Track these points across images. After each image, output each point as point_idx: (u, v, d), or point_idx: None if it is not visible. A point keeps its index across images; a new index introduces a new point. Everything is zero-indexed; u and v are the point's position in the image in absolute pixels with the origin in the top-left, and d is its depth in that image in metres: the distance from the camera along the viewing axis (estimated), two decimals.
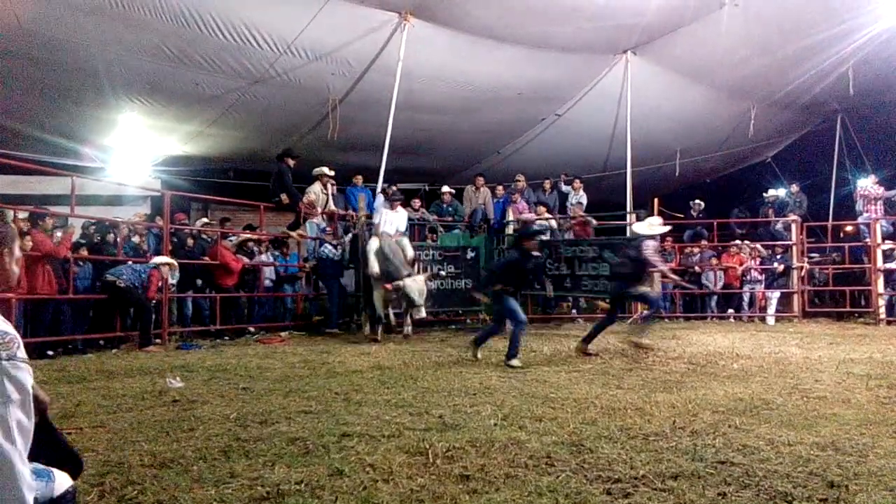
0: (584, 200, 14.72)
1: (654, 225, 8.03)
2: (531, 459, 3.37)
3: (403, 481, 3.05)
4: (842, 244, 14.10)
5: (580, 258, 11.31)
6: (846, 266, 13.54)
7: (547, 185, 14.57)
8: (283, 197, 11.34)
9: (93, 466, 3.28)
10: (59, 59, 10.78)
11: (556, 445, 3.63)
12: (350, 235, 11.13)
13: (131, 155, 14.28)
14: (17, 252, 2.01)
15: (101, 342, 8.59)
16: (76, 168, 13.23)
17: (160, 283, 8.75)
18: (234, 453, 3.54)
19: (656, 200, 15.50)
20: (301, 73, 12.12)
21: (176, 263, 9.04)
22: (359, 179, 12.78)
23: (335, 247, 10.72)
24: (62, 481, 2.01)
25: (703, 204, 15.13)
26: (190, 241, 10.51)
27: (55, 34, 10.20)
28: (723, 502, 2.77)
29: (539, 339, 9.26)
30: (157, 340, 8.65)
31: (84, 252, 9.06)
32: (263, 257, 10.85)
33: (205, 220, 12.00)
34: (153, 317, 8.62)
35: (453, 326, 11.05)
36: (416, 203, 12.89)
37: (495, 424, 4.14)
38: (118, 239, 9.80)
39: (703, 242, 13.88)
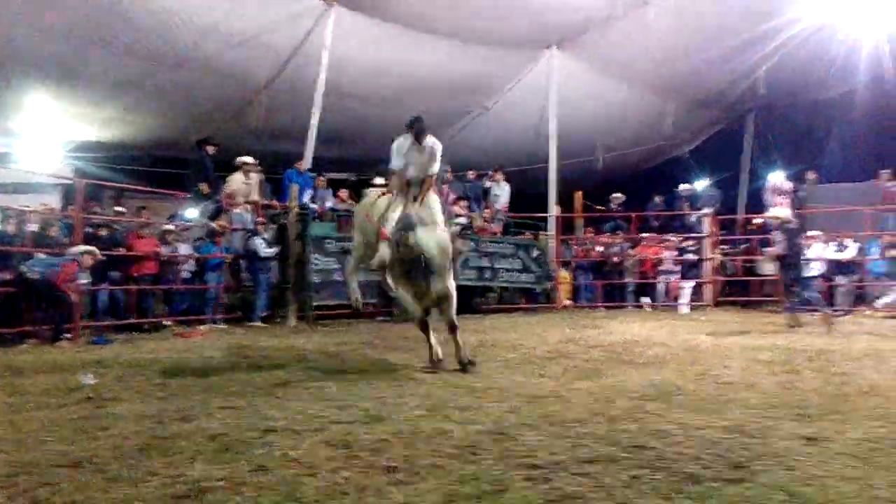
0: (506, 192, 14.93)
1: None
2: (456, 449, 3.42)
3: (328, 475, 3.04)
4: (751, 237, 14.83)
5: (500, 253, 12.52)
6: (755, 257, 14.25)
7: (471, 175, 14.69)
8: (203, 186, 11.05)
9: (2, 468, 3.14)
10: None
11: (479, 434, 3.70)
12: (276, 226, 10.97)
13: (41, 140, 13.57)
14: None
15: (9, 337, 8.15)
16: None
17: (78, 274, 8.36)
18: (152, 451, 3.44)
19: (579, 194, 15.95)
20: (223, 59, 11.82)
21: (96, 251, 8.66)
22: (301, 164, 12.34)
23: (267, 242, 10.51)
24: None
25: (623, 197, 15.61)
26: (103, 231, 10.08)
27: None
28: (636, 484, 2.89)
29: (465, 330, 9.30)
30: (68, 335, 8.27)
31: None
32: (182, 248, 10.51)
33: (119, 208, 11.53)
34: (69, 310, 8.23)
35: (381, 318, 11.02)
36: (344, 194, 12.74)
37: (420, 415, 4.18)
38: (28, 229, 9.29)
39: (619, 234, 14.38)
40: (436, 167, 6.35)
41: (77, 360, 6.68)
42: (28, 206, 10.09)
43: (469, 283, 11.31)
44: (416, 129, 6.24)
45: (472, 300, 12.68)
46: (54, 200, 12.17)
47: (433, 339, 6.30)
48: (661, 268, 13.68)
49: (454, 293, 6.25)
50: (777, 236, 10.25)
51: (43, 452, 3.43)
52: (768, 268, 11.86)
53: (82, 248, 8.60)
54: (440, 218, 6.24)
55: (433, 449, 3.43)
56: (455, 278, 6.42)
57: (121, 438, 3.70)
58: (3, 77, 11.35)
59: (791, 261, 9.98)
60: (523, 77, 14.61)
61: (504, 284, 13.03)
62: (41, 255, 8.48)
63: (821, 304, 10.02)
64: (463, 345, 6.19)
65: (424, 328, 6.31)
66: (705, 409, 4.34)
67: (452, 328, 6.15)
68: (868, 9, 12.22)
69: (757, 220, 15.06)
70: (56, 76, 11.73)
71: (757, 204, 15.73)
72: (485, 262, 12.41)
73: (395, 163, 6.27)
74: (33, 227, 9.04)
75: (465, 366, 6.01)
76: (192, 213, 11.11)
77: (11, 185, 12.40)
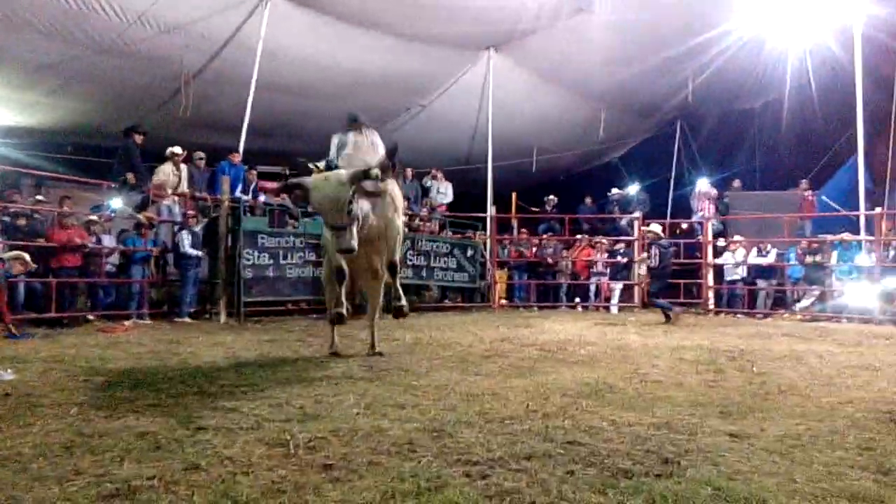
0: (449, 192, 15.02)
1: None
2: (394, 446, 3.42)
3: (264, 473, 2.99)
4: (678, 240, 15.34)
5: (436, 252, 12.86)
6: (682, 261, 14.75)
7: (409, 173, 14.69)
8: (130, 176, 10.67)
9: None
10: None
11: (417, 432, 3.71)
12: (206, 220, 10.68)
13: None
14: None
15: None
16: None
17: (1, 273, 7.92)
18: (77, 449, 3.31)
19: (514, 195, 16.17)
20: (151, 45, 11.41)
21: (27, 258, 8.22)
22: (235, 157, 11.97)
23: (192, 237, 10.19)
24: None
25: (556, 199, 15.91)
26: (22, 221, 9.60)
27: None
28: (571, 480, 2.96)
29: (402, 328, 9.32)
30: None
31: None
32: (106, 239, 10.11)
33: (39, 197, 10.99)
34: None
35: (314, 316, 10.88)
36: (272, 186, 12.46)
37: (358, 413, 4.16)
38: None
39: (553, 235, 14.67)
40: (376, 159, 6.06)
41: None
42: None
43: (405, 282, 11.28)
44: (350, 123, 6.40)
45: (408, 298, 12.67)
46: None
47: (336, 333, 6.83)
48: (592, 269, 14.01)
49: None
50: (652, 250, 11.35)
51: None
52: (639, 271, 12.92)
53: (12, 253, 8.18)
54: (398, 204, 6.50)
55: (371, 447, 3.42)
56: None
57: (43, 435, 3.55)
58: None
59: (658, 273, 11.36)
60: (461, 77, 14.68)
61: (439, 283, 13.14)
62: None
63: (672, 308, 11.14)
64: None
65: (339, 322, 6.44)
66: (635, 407, 4.47)
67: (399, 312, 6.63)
68: (793, 22, 12.79)
69: (684, 226, 15.62)
70: None
71: (684, 208, 16.37)
72: (421, 261, 12.55)
73: (332, 155, 6.29)
74: None
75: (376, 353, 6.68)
76: (117, 203, 10.69)
77: None
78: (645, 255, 11.52)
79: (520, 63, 14.49)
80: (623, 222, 15.09)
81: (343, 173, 5.47)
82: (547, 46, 13.79)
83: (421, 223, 13.72)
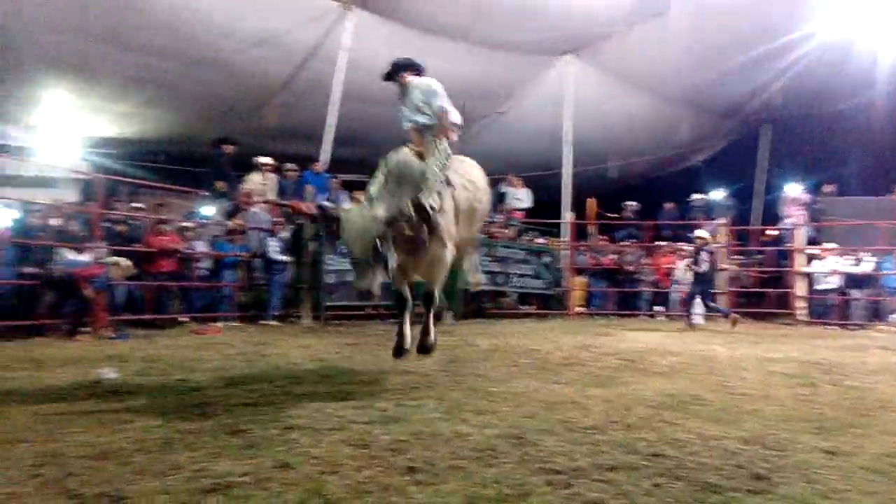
0: (527, 198, 14.96)
1: None
2: (475, 451, 3.44)
3: (350, 473, 3.07)
4: (766, 248, 14.78)
5: (512, 258, 12.83)
6: (770, 269, 14.20)
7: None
8: (220, 184, 11.15)
9: (29, 457, 3.19)
10: None
11: (498, 438, 3.71)
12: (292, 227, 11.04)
13: (58, 135, 13.69)
14: None
15: (27, 330, 8.22)
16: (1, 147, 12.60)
17: (101, 279, 8.44)
18: (175, 445, 3.48)
19: (592, 201, 15.96)
20: (240, 58, 11.91)
21: (126, 265, 8.74)
22: (318, 166, 12.40)
23: (281, 248, 10.58)
24: None
25: (637, 205, 15.59)
26: (121, 227, 10.18)
27: None
28: (657, 493, 2.91)
29: (478, 334, 9.38)
30: (87, 329, 8.34)
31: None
32: (198, 245, 10.60)
33: (137, 204, 11.62)
34: (88, 306, 8.29)
35: (393, 320, 11.03)
36: (360, 195, 12.80)
37: (438, 417, 4.20)
38: (50, 223, 9.38)
39: (633, 242, 14.31)
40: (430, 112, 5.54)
41: (97, 354, 6.75)
42: (47, 201, 10.20)
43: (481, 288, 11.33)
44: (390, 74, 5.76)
45: (484, 305, 12.72)
46: (72, 195, 12.27)
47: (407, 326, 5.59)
48: (674, 277, 13.65)
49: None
50: (701, 255, 11.51)
51: (68, 444, 3.48)
52: (685, 277, 12.58)
53: (113, 258, 8.70)
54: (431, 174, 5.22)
55: (452, 451, 3.45)
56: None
57: (143, 431, 3.75)
58: (21, 73, 11.46)
59: (705, 277, 11.52)
60: (539, 83, 14.64)
61: (515, 290, 13.11)
62: (69, 255, 8.55)
63: (724, 310, 11.58)
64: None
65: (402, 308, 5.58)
66: (722, 420, 4.33)
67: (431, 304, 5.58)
68: (883, 22, 12.17)
69: (771, 232, 15.04)
70: (72, 72, 11.84)
71: (772, 215, 15.75)
72: (497, 267, 12.53)
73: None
74: (55, 221, 9.11)
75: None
76: (209, 210, 11.20)
77: (29, 178, 12.53)
78: (699, 266, 11.53)
79: (598, 67, 14.34)
80: (707, 229, 14.61)
81: (380, 213, 4.83)
82: (627, 50, 13.61)
83: (497, 230, 13.72)
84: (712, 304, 11.57)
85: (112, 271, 8.61)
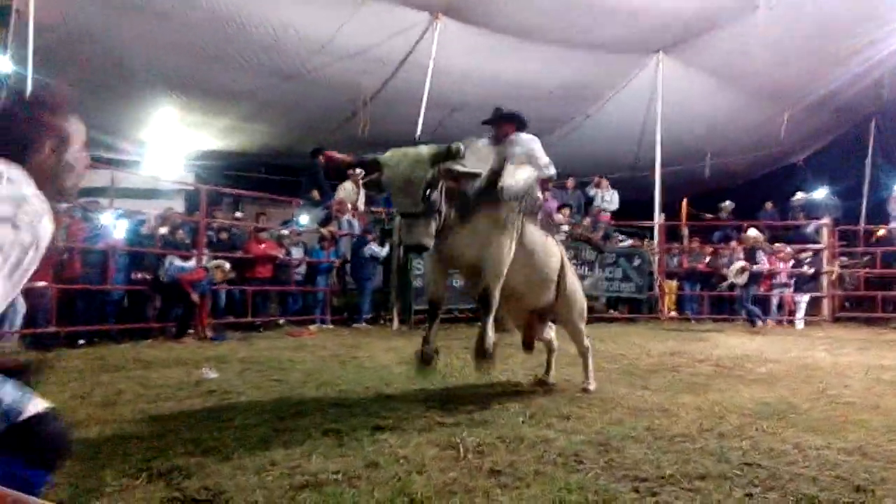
0: (615, 199, 14.71)
1: None
2: (559, 457, 3.45)
3: (436, 474, 3.15)
4: (874, 248, 13.92)
5: (601, 262, 12.68)
6: (878, 271, 13.36)
7: (570, 184, 14.58)
8: (314, 193, 11.57)
9: (139, 452, 3.44)
10: (98, 56, 11.04)
11: (583, 444, 3.70)
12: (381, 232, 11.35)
13: (166, 149, 14.57)
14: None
15: (137, 333, 8.80)
16: (115, 161, 13.52)
17: (205, 283, 8.93)
18: (272, 443, 3.67)
19: (685, 201, 15.50)
20: (332, 71, 12.30)
21: (226, 268, 9.23)
22: None
23: (381, 244, 10.92)
24: (37, 403, 1.88)
25: (732, 205, 15.03)
26: (224, 235, 10.74)
27: (94, 31, 10.46)
28: (749, 503, 2.83)
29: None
30: (191, 331, 8.84)
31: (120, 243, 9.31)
32: (295, 251, 11.04)
33: (238, 213, 12.24)
34: (192, 309, 8.79)
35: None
36: None
37: (523, 422, 4.23)
38: (160, 231, 10.00)
39: (733, 244, 13.73)
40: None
41: (199, 355, 7.15)
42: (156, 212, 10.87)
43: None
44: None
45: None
46: (178, 206, 13.02)
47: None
48: (774, 281, 13.05)
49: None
50: (759, 255, 11.66)
51: (174, 440, 3.72)
52: (739, 279, 11.98)
53: (215, 262, 9.21)
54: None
55: (537, 455, 3.48)
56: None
57: (243, 429, 3.96)
58: (133, 90, 12.25)
59: (755, 280, 11.71)
60: (628, 83, 14.37)
61: (604, 293, 12.91)
62: (177, 261, 9.11)
63: (761, 316, 11.71)
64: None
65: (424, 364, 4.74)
66: (822, 430, 4.14)
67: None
68: None
69: (880, 232, 14.16)
70: (178, 89, 12.56)
71: (880, 214, 14.82)
72: (585, 271, 12.35)
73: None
74: (163, 230, 9.72)
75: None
76: (304, 218, 11.65)
77: (139, 190, 13.38)
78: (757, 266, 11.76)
79: (691, 64, 13.92)
80: (810, 229, 13.92)
81: (425, 149, 4.31)
82: (720, 46, 13.14)
83: (585, 232, 13.55)
84: (751, 308, 11.63)
85: (216, 275, 9.09)
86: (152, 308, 9.15)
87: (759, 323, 11.41)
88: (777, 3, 11.51)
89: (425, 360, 4.66)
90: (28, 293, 7.32)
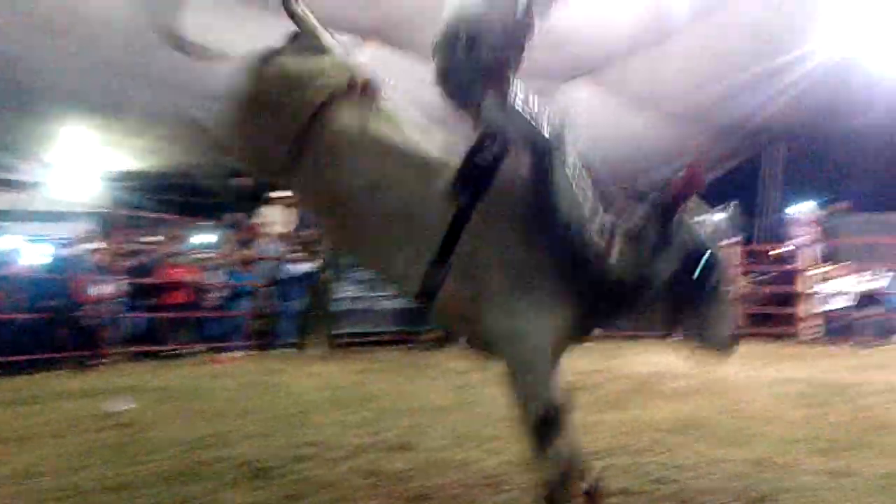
0: None
1: None
2: (484, 479, 3.50)
3: (360, 503, 3.14)
4: (774, 266, 14.65)
5: None
6: (779, 288, 14.06)
7: None
8: (235, 216, 11.36)
9: (48, 491, 3.29)
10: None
11: (507, 465, 3.76)
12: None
13: (75, 170, 13.91)
14: None
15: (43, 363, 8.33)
16: (14, 183, 12.77)
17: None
18: (189, 476, 3.57)
19: None
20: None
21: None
22: None
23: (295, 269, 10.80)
24: None
25: None
26: (138, 259, 10.38)
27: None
28: None
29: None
30: (104, 360, 8.47)
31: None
32: (215, 274, 10.78)
33: (153, 238, 11.84)
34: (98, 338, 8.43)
35: (410, 345, 11.08)
36: None
37: (449, 444, 4.26)
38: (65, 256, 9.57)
39: None
40: None
41: (112, 385, 6.85)
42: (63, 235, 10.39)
43: None
44: None
45: None
46: (86, 229, 12.43)
47: None
48: None
49: None
50: None
51: (85, 476, 3.57)
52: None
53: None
54: None
55: (462, 478, 3.52)
56: None
57: (159, 463, 3.84)
58: (33, 109, 11.59)
59: None
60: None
61: None
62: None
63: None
64: None
65: None
66: (729, 442, 4.35)
67: None
68: (887, 41, 12.18)
69: (776, 251, 14.94)
70: (91, 108, 12.02)
71: (776, 234, 15.63)
72: None
73: None
74: (70, 254, 9.30)
75: None
76: (224, 241, 11.39)
77: (40, 213, 12.70)
78: None
79: (601, 89, 14.42)
80: None
81: None
82: (629, 71, 13.67)
83: None
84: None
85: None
86: (59, 338, 8.69)
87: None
88: (686, 33, 12.06)
89: None
90: None
